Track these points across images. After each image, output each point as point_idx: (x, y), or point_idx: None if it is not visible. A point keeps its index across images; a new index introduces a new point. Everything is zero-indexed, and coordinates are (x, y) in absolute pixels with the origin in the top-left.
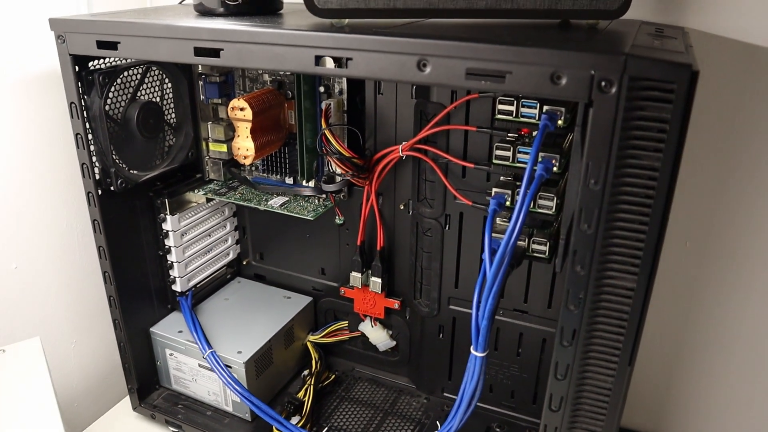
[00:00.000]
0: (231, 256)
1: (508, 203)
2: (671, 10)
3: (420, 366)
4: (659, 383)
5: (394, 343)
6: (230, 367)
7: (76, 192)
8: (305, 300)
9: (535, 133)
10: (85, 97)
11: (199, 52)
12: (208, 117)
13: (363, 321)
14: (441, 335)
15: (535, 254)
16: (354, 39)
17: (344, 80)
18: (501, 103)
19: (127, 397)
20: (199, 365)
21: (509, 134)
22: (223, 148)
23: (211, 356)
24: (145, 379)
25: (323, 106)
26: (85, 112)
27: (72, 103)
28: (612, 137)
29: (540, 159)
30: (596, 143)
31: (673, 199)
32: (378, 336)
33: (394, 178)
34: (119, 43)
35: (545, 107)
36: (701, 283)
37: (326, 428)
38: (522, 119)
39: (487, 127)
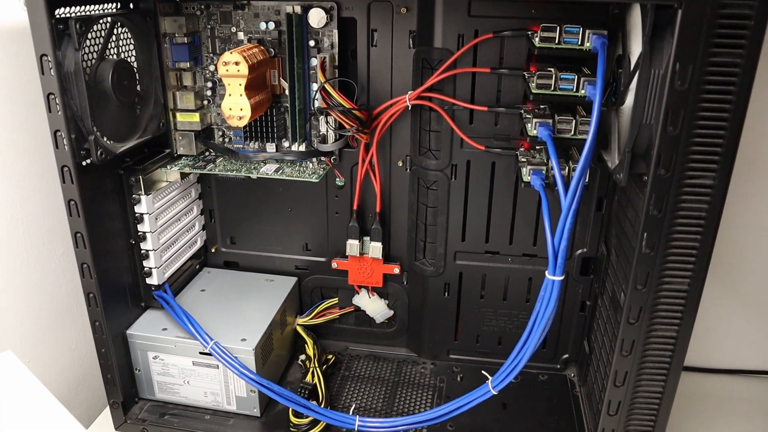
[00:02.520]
0: (199, 244)
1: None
2: None
3: (421, 332)
4: None
5: (392, 312)
6: (237, 357)
7: (22, 173)
8: (291, 281)
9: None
10: (57, 51)
11: None
12: (172, 85)
13: (358, 294)
14: (447, 293)
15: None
16: None
17: (335, 32)
18: (544, 30)
19: (102, 417)
20: (194, 363)
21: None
22: (195, 117)
23: (216, 347)
24: (125, 392)
25: (318, 58)
26: (56, 70)
27: (43, 55)
28: (699, 38)
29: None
30: (685, 45)
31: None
32: (376, 307)
33: (390, 135)
34: None
35: (593, 34)
36: None
37: (353, 407)
38: (565, 46)
39: (503, 68)
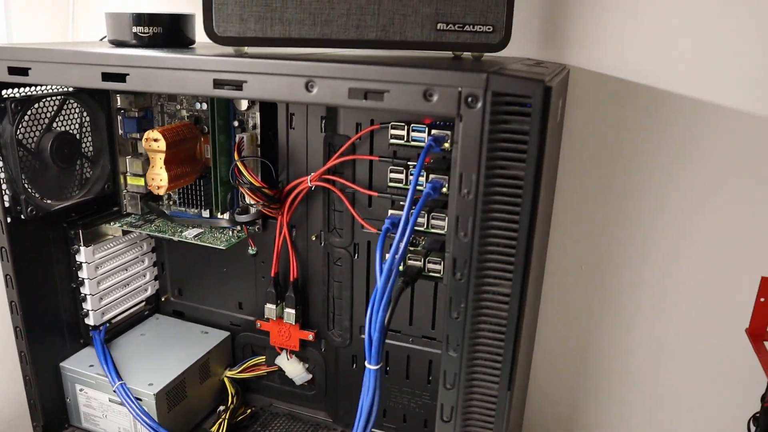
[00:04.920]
0: (149, 292)
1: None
2: (557, 49)
3: (336, 399)
4: (563, 407)
5: (310, 376)
6: (140, 399)
7: None
8: (222, 335)
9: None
10: None
11: (106, 77)
12: (126, 151)
13: (279, 354)
14: (354, 365)
15: (431, 273)
16: (248, 63)
17: (257, 115)
18: (393, 128)
19: None
20: (110, 400)
21: (409, 161)
22: (141, 181)
23: (121, 388)
24: (53, 417)
25: (237, 139)
26: None
27: None
28: (480, 149)
29: (430, 180)
30: (467, 155)
31: (539, 204)
32: (294, 369)
33: (306, 210)
34: (30, 69)
35: (433, 131)
36: (597, 302)
37: None
38: (413, 143)
39: (388, 157)
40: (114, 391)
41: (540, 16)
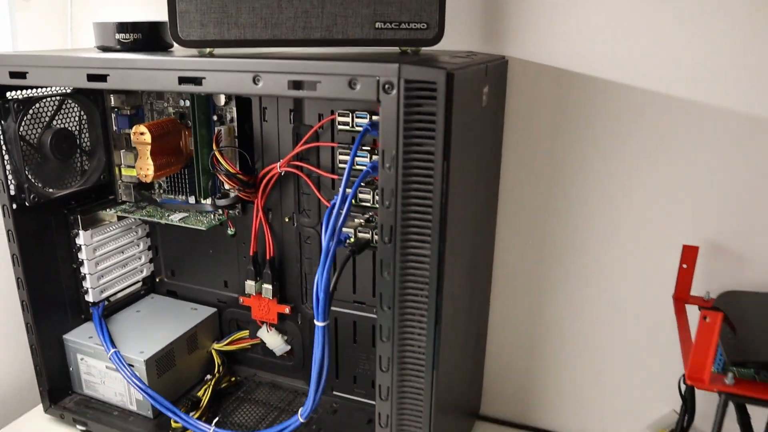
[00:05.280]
0: (144, 273)
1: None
2: (498, 41)
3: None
4: (519, 375)
5: (289, 347)
6: (132, 365)
7: None
8: (210, 311)
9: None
10: (2, 122)
11: (90, 77)
12: (120, 145)
13: (261, 327)
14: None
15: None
16: (206, 62)
17: (234, 109)
18: (340, 116)
19: (40, 405)
20: (107, 367)
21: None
22: (134, 172)
23: (115, 355)
24: (58, 385)
25: (215, 131)
26: (1, 135)
27: None
28: (398, 129)
29: (372, 160)
30: (387, 134)
31: (450, 175)
32: (273, 341)
33: (280, 195)
34: (27, 72)
35: (374, 117)
36: (545, 274)
37: (218, 417)
38: (357, 128)
39: (345, 142)
40: (109, 359)
41: (482, 10)
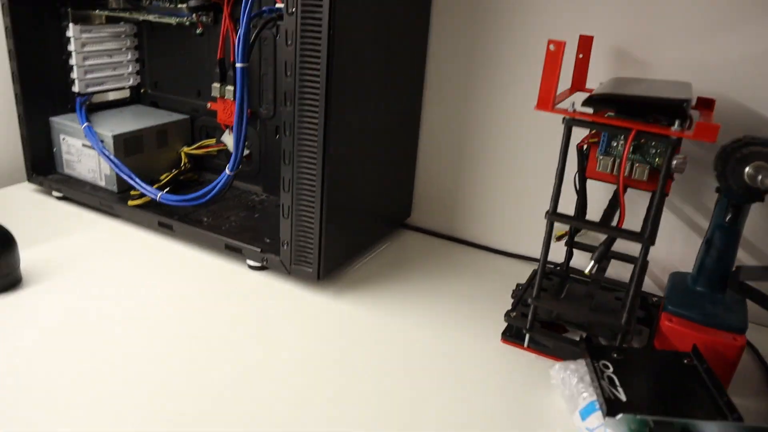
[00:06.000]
0: (131, 82)
1: None
2: None
3: (266, 174)
4: (449, 190)
5: (249, 151)
6: (102, 141)
7: None
8: (180, 117)
9: None
10: None
11: None
12: None
13: (225, 132)
14: (277, 135)
15: None
16: None
17: None
18: None
19: (27, 181)
20: (83, 145)
21: None
22: None
23: (87, 129)
24: (42, 163)
25: None
26: None
27: None
28: (296, 40)
29: None
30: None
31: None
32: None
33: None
34: None
35: None
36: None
37: (167, 189)
38: None
39: None
40: (84, 135)
41: None
